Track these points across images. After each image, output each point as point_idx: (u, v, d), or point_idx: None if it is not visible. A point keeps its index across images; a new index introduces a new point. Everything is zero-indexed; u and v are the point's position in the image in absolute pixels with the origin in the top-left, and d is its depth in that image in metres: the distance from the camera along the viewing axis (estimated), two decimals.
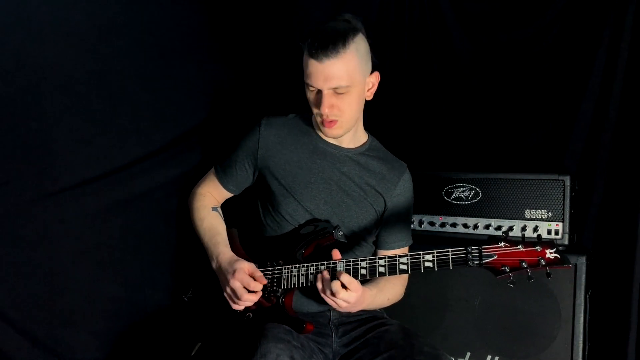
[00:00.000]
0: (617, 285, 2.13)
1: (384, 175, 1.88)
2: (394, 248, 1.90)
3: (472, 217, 2.17)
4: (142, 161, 1.97)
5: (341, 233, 1.74)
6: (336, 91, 1.68)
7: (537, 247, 1.47)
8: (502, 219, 2.13)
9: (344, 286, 1.57)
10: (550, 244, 1.48)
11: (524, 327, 2.03)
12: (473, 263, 1.51)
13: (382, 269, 1.60)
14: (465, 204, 2.19)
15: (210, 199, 1.92)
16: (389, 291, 1.83)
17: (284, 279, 1.71)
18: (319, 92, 1.69)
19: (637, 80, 2.18)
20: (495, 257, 1.50)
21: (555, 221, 2.05)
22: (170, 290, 2.06)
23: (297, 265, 1.71)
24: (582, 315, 1.96)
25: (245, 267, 1.66)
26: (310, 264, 1.68)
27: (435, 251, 1.55)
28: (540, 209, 2.08)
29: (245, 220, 2.00)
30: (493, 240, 1.51)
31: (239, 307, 1.69)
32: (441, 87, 2.62)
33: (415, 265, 1.56)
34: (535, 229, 2.07)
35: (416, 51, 2.65)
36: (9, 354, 1.69)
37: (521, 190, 2.10)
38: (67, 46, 1.76)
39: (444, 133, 2.61)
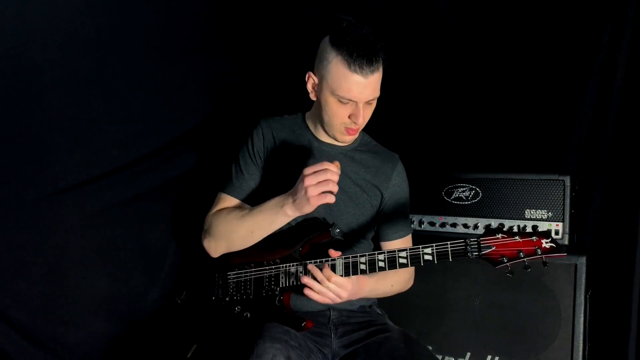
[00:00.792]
0: (617, 285, 2.13)
1: (378, 168, 1.89)
2: (395, 239, 1.90)
3: (472, 217, 2.17)
4: (141, 162, 1.98)
5: (338, 231, 1.74)
6: (369, 102, 1.70)
7: (534, 237, 1.52)
8: (502, 219, 2.13)
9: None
10: (546, 233, 1.52)
11: (524, 327, 2.02)
12: (472, 254, 1.53)
13: (381, 264, 1.60)
14: (465, 204, 2.19)
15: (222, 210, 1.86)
16: (392, 277, 1.82)
17: (282, 278, 1.72)
18: (353, 104, 1.68)
19: (637, 80, 2.17)
20: (494, 249, 1.53)
21: (555, 221, 2.05)
22: (166, 292, 2.06)
23: (294, 264, 1.71)
24: (582, 315, 1.96)
25: (303, 171, 1.58)
26: (307, 262, 1.69)
27: (434, 244, 1.57)
28: (540, 209, 2.07)
29: None
30: (490, 232, 1.55)
31: (330, 185, 1.57)
32: (441, 87, 2.62)
33: (414, 259, 1.57)
34: (535, 229, 2.06)
35: (416, 51, 2.65)
36: (9, 354, 1.69)
37: (521, 190, 2.10)
38: (66, 46, 1.76)
39: (444, 133, 2.61)
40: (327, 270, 1.59)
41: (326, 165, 1.56)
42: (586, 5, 2.31)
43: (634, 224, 2.06)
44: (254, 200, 1.84)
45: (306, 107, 1.90)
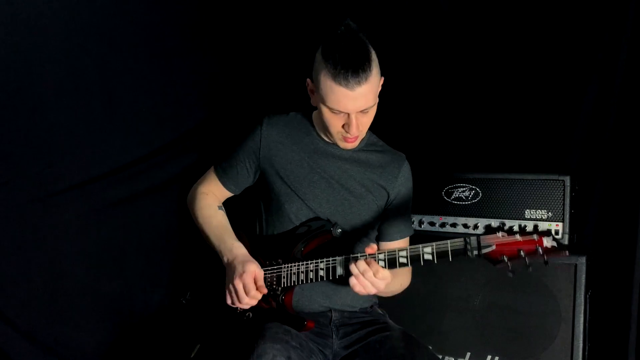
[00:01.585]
0: (617, 285, 2.13)
1: (384, 168, 1.88)
2: (396, 239, 1.90)
3: (472, 217, 2.17)
4: (142, 162, 1.98)
5: (339, 230, 1.74)
6: (363, 111, 1.67)
7: (535, 236, 1.49)
8: (502, 219, 2.12)
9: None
10: (547, 232, 1.49)
11: (524, 327, 2.02)
12: (472, 253, 1.51)
13: (382, 263, 1.59)
14: (465, 204, 2.18)
15: (213, 198, 1.91)
16: (401, 277, 1.83)
17: (284, 277, 1.72)
18: (345, 115, 1.67)
19: (637, 81, 2.17)
20: (494, 247, 1.50)
21: (555, 221, 2.05)
22: (170, 291, 2.06)
23: (296, 264, 1.71)
24: (582, 315, 1.96)
25: (255, 271, 1.66)
26: (309, 262, 1.68)
27: (434, 243, 1.55)
28: (540, 209, 2.07)
29: (244, 220, 2.00)
30: (491, 230, 1.52)
31: (236, 305, 1.69)
32: (441, 87, 2.62)
33: (414, 258, 1.56)
34: (535, 228, 2.06)
35: (415, 51, 2.65)
36: (9, 354, 1.70)
37: (521, 190, 2.10)
38: (66, 47, 1.76)
39: (444, 133, 2.61)
40: (375, 265, 1.58)
41: (252, 302, 1.66)
42: (586, 6, 2.31)
43: (634, 224, 2.06)
44: (256, 193, 1.91)
45: (309, 106, 1.90)
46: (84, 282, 1.86)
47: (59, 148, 1.77)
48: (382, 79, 1.76)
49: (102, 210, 1.88)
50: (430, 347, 2.07)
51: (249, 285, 1.63)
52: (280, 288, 1.72)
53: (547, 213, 2.06)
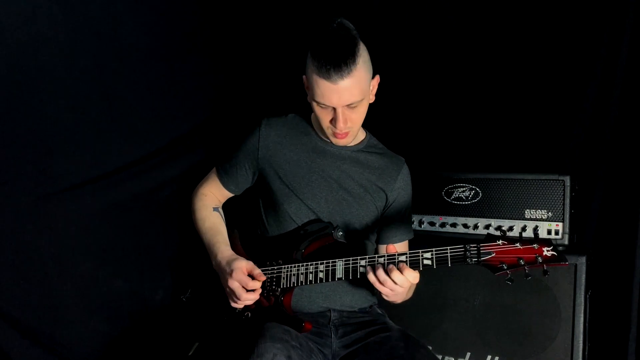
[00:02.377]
0: (617, 285, 2.13)
1: (383, 170, 1.89)
2: (394, 242, 1.90)
3: (472, 217, 2.17)
4: (142, 162, 1.98)
5: (340, 233, 1.74)
6: (350, 106, 1.68)
7: (535, 245, 1.48)
8: (502, 219, 2.13)
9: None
10: (547, 241, 1.49)
11: (524, 327, 2.02)
12: (471, 260, 1.51)
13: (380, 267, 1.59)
14: (465, 204, 2.18)
15: (211, 198, 1.92)
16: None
17: (283, 278, 1.72)
18: (332, 109, 1.69)
19: (637, 80, 2.17)
20: (493, 255, 1.50)
21: (555, 221, 2.05)
22: (170, 290, 2.06)
23: (296, 265, 1.71)
24: (582, 315, 1.96)
25: (243, 265, 1.66)
26: (309, 264, 1.69)
27: (434, 249, 1.55)
28: (540, 209, 2.07)
29: (245, 220, 2.00)
30: (491, 238, 1.52)
31: (238, 305, 1.69)
32: (441, 87, 2.62)
33: (414, 263, 1.56)
34: (535, 229, 2.06)
35: (415, 51, 2.65)
36: (9, 354, 1.70)
37: (521, 190, 2.10)
38: (67, 46, 1.76)
39: (444, 133, 2.61)
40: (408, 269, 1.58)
41: (252, 296, 1.66)
42: (586, 6, 2.31)
43: (634, 224, 2.06)
44: (256, 193, 1.93)
45: (310, 107, 1.90)
46: (84, 282, 1.85)
47: (59, 148, 1.77)
48: (377, 77, 1.76)
49: (102, 210, 1.88)
50: (430, 347, 2.07)
51: (243, 280, 1.64)
52: (279, 289, 1.72)
53: (547, 213, 2.06)
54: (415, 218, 2.24)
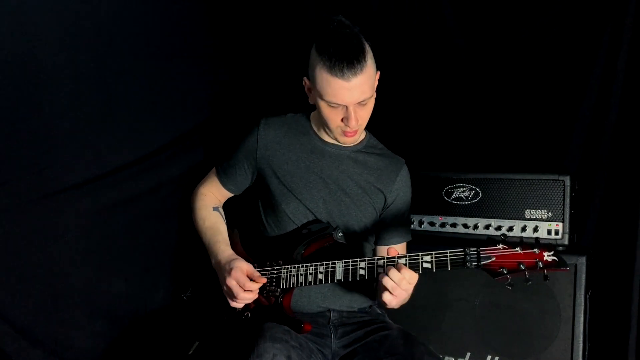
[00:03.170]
0: (617, 285, 2.13)
1: (382, 171, 1.88)
2: (392, 244, 1.89)
3: (472, 217, 2.17)
4: (142, 161, 1.98)
5: (341, 234, 1.74)
6: (361, 103, 1.68)
7: (535, 250, 1.48)
8: (502, 219, 2.13)
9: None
10: (548, 246, 1.48)
11: (524, 327, 2.02)
12: (471, 265, 1.51)
13: (380, 270, 1.59)
14: (465, 204, 2.18)
15: (211, 198, 1.92)
16: None
17: (283, 279, 1.72)
18: (343, 108, 1.68)
19: (637, 80, 2.17)
20: (494, 259, 1.50)
21: (555, 221, 2.05)
22: (171, 290, 2.06)
23: (296, 266, 1.71)
24: (582, 315, 1.96)
25: (243, 266, 1.66)
26: (309, 264, 1.69)
27: (433, 252, 1.55)
28: (540, 209, 2.07)
29: (246, 220, 2.00)
30: (491, 242, 1.51)
31: (236, 305, 1.70)
32: (441, 87, 2.62)
33: (413, 266, 1.56)
34: (535, 229, 2.07)
35: (416, 51, 2.65)
36: (9, 354, 1.69)
37: (521, 190, 2.10)
38: (67, 46, 1.76)
39: (444, 133, 2.61)
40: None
41: (249, 295, 1.67)
42: (586, 6, 2.31)
43: (634, 224, 2.06)
44: (255, 193, 1.93)
45: (309, 106, 1.90)
46: (85, 282, 1.85)
47: (59, 148, 1.77)
48: (378, 73, 1.76)
49: (102, 209, 1.88)
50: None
51: (240, 280, 1.64)
52: (279, 289, 1.72)
53: (547, 213, 2.06)
54: (415, 218, 2.24)
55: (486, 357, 2.08)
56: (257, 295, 1.67)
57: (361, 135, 1.91)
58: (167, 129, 2.06)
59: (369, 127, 1.94)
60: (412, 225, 2.22)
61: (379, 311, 1.93)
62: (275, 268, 1.74)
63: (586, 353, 1.98)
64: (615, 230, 2.20)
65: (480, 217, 2.16)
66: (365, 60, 1.63)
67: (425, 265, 1.55)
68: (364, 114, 1.73)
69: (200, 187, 1.95)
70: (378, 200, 1.88)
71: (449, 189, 2.21)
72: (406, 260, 1.57)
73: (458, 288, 2.13)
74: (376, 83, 1.76)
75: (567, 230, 2.03)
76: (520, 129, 2.46)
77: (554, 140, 2.39)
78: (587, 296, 1.99)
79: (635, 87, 2.18)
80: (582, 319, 1.96)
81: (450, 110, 2.60)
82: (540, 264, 1.46)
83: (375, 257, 1.62)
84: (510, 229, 2.09)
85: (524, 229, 2.07)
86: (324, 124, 1.78)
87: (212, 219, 1.86)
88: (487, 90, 2.53)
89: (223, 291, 1.71)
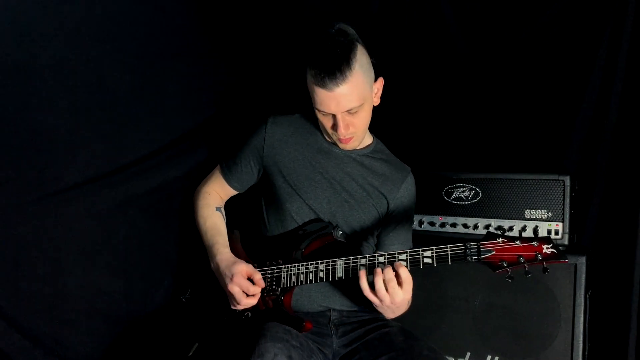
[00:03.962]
0: (617, 285, 2.13)
1: (387, 177, 1.89)
2: (392, 251, 1.90)
3: (472, 217, 2.17)
4: (143, 161, 1.97)
5: (340, 233, 1.74)
6: (349, 112, 1.69)
7: (534, 243, 1.50)
8: (502, 219, 2.13)
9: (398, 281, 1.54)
10: (547, 239, 1.50)
11: (524, 327, 2.02)
12: (472, 258, 1.52)
13: (381, 266, 1.60)
14: (465, 204, 2.18)
15: (214, 197, 1.92)
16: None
17: (284, 278, 1.72)
18: (333, 116, 1.70)
19: (637, 80, 2.17)
20: (494, 253, 1.51)
21: (555, 221, 2.05)
22: (170, 291, 2.06)
23: (296, 265, 1.71)
24: (582, 315, 1.96)
25: (244, 270, 1.67)
26: (309, 263, 1.69)
27: (434, 247, 1.56)
28: (540, 209, 2.07)
29: (247, 219, 2.00)
30: (491, 236, 1.53)
31: (238, 308, 1.70)
32: (441, 87, 2.62)
33: (414, 261, 1.57)
34: (535, 229, 2.04)
35: (416, 51, 2.65)
36: (9, 354, 1.69)
37: (521, 190, 2.10)
38: (67, 46, 1.76)
39: (444, 133, 2.61)
40: (404, 269, 1.57)
41: (252, 300, 1.67)
42: (586, 6, 2.31)
43: (634, 224, 2.06)
44: (258, 191, 1.93)
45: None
46: (85, 281, 1.85)
47: (59, 148, 1.77)
48: (380, 80, 1.76)
49: (102, 210, 1.87)
50: None
51: (243, 285, 1.65)
52: (279, 288, 1.72)
53: (547, 213, 2.06)
54: (415, 218, 2.24)
55: (486, 357, 2.08)
56: (257, 299, 1.68)
57: (368, 140, 1.91)
58: (168, 129, 2.06)
59: (370, 128, 1.94)
60: (412, 226, 2.22)
61: None
62: (276, 267, 1.74)
63: (586, 353, 1.98)
64: (615, 230, 2.20)
65: (480, 217, 2.16)
66: (350, 70, 1.61)
67: (426, 260, 1.56)
68: (356, 122, 1.72)
69: (204, 186, 1.95)
70: (381, 205, 1.88)
71: (449, 189, 2.21)
72: (407, 256, 1.57)
73: (458, 288, 2.13)
74: (378, 91, 1.76)
75: (567, 230, 2.03)
76: (520, 129, 2.46)
77: (554, 140, 2.39)
78: (587, 296, 1.99)
79: (636, 87, 2.18)
80: (582, 319, 1.96)
81: (451, 111, 2.61)
82: (540, 257, 1.48)
83: (376, 254, 1.62)
84: (510, 229, 2.09)
85: (524, 229, 2.07)
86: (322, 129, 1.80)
87: (214, 219, 1.86)
88: (487, 90, 2.53)
89: (226, 293, 1.71)
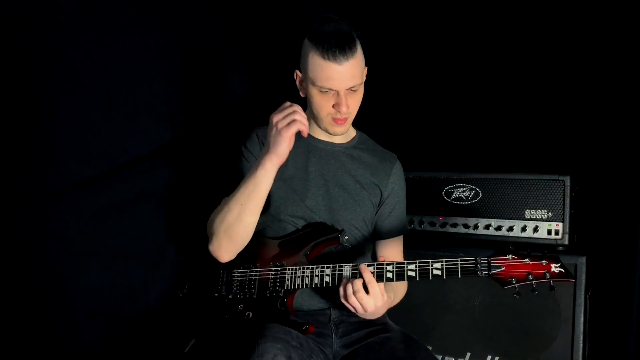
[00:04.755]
0: (617, 285, 2.13)
1: (376, 167, 1.91)
2: (389, 237, 1.92)
3: (472, 217, 2.17)
4: (142, 161, 1.98)
5: (347, 238, 1.75)
6: (351, 89, 1.72)
7: (543, 261, 1.53)
8: (502, 219, 2.12)
9: (365, 289, 1.57)
10: (555, 258, 1.53)
11: (524, 327, 2.02)
12: (482, 273, 1.54)
13: (389, 275, 1.61)
14: (465, 204, 2.18)
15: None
16: (400, 290, 1.87)
17: (287, 280, 1.72)
18: (334, 93, 1.72)
19: (637, 80, 2.18)
20: (503, 269, 1.53)
21: (555, 221, 2.05)
22: (168, 287, 2.06)
23: (301, 267, 1.71)
24: (582, 315, 1.96)
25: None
26: (315, 267, 1.69)
27: (444, 260, 1.57)
28: (540, 209, 2.07)
29: None
30: (501, 252, 1.55)
31: (296, 115, 1.64)
32: (441, 87, 2.62)
33: (423, 273, 1.58)
34: (535, 229, 2.07)
35: (415, 51, 2.65)
36: (9, 353, 1.70)
37: (521, 190, 2.10)
38: (67, 46, 1.76)
39: (444, 133, 2.61)
40: (368, 274, 1.59)
41: (288, 103, 1.66)
42: (586, 6, 2.31)
43: (634, 224, 2.06)
44: None
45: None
46: (85, 281, 1.86)
47: (59, 148, 1.77)
48: (366, 69, 1.79)
49: (102, 209, 1.88)
50: (430, 347, 2.08)
51: (279, 110, 1.65)
52: (282, 290, 1.72)
53: (547, 213, 2.06)
54: (415, 218, 2.24)
55: (486, 357, 2.08)
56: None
57: (352, 133, 1.93)
58: (167, 129, 2.06)
59: (369, 127, 1.95)
60: (412, 225, 2.22)
61: None
62: (280, 269, 1.74)
63: (586, 353, 1.98)
64: (615, 230, 2.20)
65: (481, 217, 2.16)
66: (355, 48, 1.70)
67: (436, 272, 1.57)
68: (354, 102, 1.76)
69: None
70: (375, 195, 1.89)
71: (449, 189, 2.21)
72: (416, 266, 1.59)
73: (458, 288, 2.13)
74: (364, 78, 1.78)
75: (567, 230, 2.03)
76: (521, 129, 2.46)
77: (554, 140, 2.39)
78: (587, 296, 1.99)
79: (636, 87, 2.18)
80: (582, 319, 1.96)
81: (450, 111, 2.61)
82: (548, 275, 1.51)
83: (384, 263, 1.62)
84: (510, 229, 2.09)
85: (524, 229, 2.08)
86: (315, 115, 1.80)
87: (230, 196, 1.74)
88: (487, 90, 2.53)
89: (284, 129, 1.63)
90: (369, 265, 1.62)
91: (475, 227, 2.16)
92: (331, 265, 1.67)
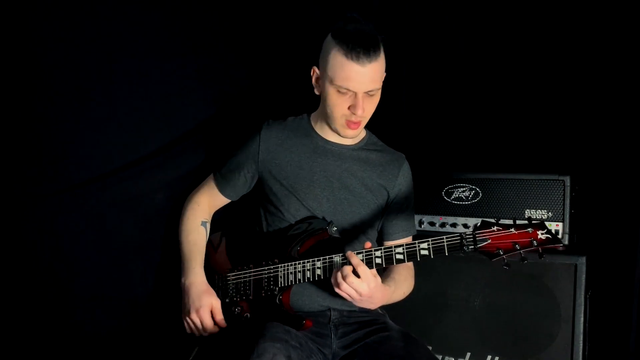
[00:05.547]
0: (617, 285, 2.13)
1: (384, 167, 1.90)
2: (397, 238, 1.91)
3: (473, 217, 2.17)
4: (143, 162, 1.98)
5: (335, 229, 1.74)
6: (369, 93, 1.70)
7: (529, 229, 1.50)
8: (502, 219, 2.11)
9: (355, 273, 1.56)
10: (541, 225, 1.50)
11: (524, 327, 2.02)
12: (468, 248, 1.52)
13: (378, 260, 1.60)
14: (466, 204, 2.18)
15: (203, 209, 1.89)
16: (403, 285, 1.84)
17: (281, 277, 1.72)
18: (352, 95, 1.70)
19: (637, 80, 2.17)
20: (489, 242, 1.51)
21: (555, 221, 2.05)
22: (170, 292, 2.06)
23: (292, 263, 1.71)
24: (582, 315, 1.96)
25: (212, 304, 1.70)
26: (306, 261, 1.69)
27: (430, 239, 1.56)
28: (540, 209, 2.07)
29: (239, 221, 2.00)
30: (486, 224, 1.53)
31: (188, 330, 1.75)
32: (441, 86, 2.62)
33: (411, 254, 1.57)
34: (530, 220, 2.06)
35: (415, 51, 2.65)
36: (12, 350, 1.70)
37: (521, 190, 2.10)
38: (68, 46, 1.76)
39: (445, 133, 2.61)
40: (355, 258, 1.58)
41: (204, 333, 1.72)
42: (586, 5, 2.31)
43: (634, 224, 2.06)
44: (255, 198, 1.91)
45: (312, 108, 1.91)
46: (84, 281, 1.86)
47: (59, 148, 1.78)
48: (384, 75, 1.77)
49: (102, 209, 1.88)
50: (430, 347, 2.07)
51: (206, 321, 1.69)
52: (277, 288, 1.72)
53: (547, 213, 2.06)
54: (416, 218, 2.24)
55: (486, 357, 2.08)
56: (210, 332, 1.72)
57: (362, 133, 1.91)
58: (167, 130, 2.06)
59: (370, 127, 1.94)
60: (413, 211, 2.21)
61: (379, 311, 1.93)
62: (272, 267, 1.74)
63: (586, 353, 1.98)
64: (615, 230, 2.20)
65: (481, 217, 2.15)
66: (379, 51, 1.68)
67: (423, 252, 1.56)
68: (369, 107, 1.74)
69: (195, 195, 1.92)
70: (381, 197, 1.89)
71: (449, 189, 2.21)
72: (403, 249, 1.57)
73: (458, 288, 2.13)
74: (383, 76, 1.77)
75: (567, 230, 2.03)
76: (521, 129, 2.46)
77: (554, 140, 2.39)
78: (587, 296, 1.99)
79: (636, 87, 2.18)
80: (582, 319, 1.96)
81: (451, 111, 2.61)
82: (535, 242, 1.48)
83: (373, 249, 1.61)
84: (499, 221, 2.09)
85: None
86: (327, 115, 1.78)
87: (195, 236, 1.84)
88: (488, 90, 2.53)
89: (183, 316, 1.74)
90: (357, 253, 1.61)
91: (476, 227, 2.15)
92: (321, 257, 1.66)
